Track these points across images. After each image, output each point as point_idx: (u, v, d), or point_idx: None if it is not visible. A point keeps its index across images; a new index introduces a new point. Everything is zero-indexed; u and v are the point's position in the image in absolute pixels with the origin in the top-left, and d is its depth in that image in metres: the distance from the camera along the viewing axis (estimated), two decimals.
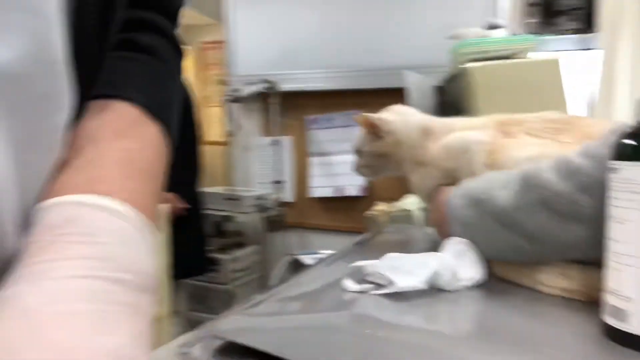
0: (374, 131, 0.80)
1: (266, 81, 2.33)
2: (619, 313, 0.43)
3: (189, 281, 2.17)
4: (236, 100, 2.07)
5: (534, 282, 0.59)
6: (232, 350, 0.42)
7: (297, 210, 2.53)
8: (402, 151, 0.79)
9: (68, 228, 0.26)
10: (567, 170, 0.52)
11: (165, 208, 1.53)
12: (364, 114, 0.79)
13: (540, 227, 0.54)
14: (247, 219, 2.30)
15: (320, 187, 2.45)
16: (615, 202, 0.44)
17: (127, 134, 0.33)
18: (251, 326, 0.49)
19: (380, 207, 1.79)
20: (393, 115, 0.81)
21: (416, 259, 0.59)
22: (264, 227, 2.43)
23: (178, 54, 0.42)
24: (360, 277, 0.61)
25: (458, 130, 0.74)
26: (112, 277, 0.25)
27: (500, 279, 0.63)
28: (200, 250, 2.05)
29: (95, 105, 0.33)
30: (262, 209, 2.29)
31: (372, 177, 0.88)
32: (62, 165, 0.30)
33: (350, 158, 0.88)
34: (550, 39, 2.89)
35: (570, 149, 0.58)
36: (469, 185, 0.64)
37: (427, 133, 0.78)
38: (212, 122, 3.65)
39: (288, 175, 2.54)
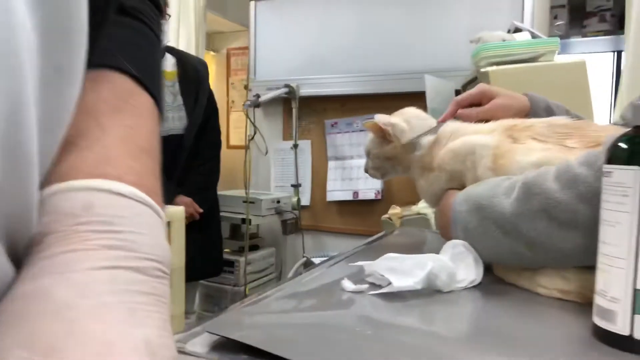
0: (383, 136, 0.81)
1: (287, 86, 2.36)
2: (606, 314, 0.44)
3: (205, 282, 2.22)
4: (257, 105, 2.11)
5: (532, 284, 0.59)
6: (229, 346, 0.44)
7: (314, 213, 2.55)
8: (410, 155, 0.79)
9: (86, 216, 0.25)
10: (568, 179, 0.52)
11: (182, 211, 1.57)
12: (373, 119, 0.80)
13: (541, 235, 0.55)
14: (264, 221, 2.33)
15: (338, 190, 2.47)
16: (607, 205, 0.44)
17: (125, 108, 0.32)
18: (246, 323, 0.50)
19: (395, 210, 1.80)
20: (402, 120, 0.81)
21: (414, 260, 0.59)
22: (281, 230, 2.46)
23: (159, 14, 0.41)
24: (359, 277, 0.62)
25: (466, 135, 0.74)
26: (135, 266, 0.25)
27: (496, 280, 0.63)
28: (215, 252, 2.08)
29: (87, 75, 0.31)
30: (279, 212, 2.32)
31: (382, 178, 0.89)
32: (65, 144, 0.28)
33: None
34: (579, 41, 2.83)
35: (576, 155, 0.59)
36: (472, 191, 0.65)
37: (435, 138, 0.78)
38: (237, 126, 3.72)
39: (306, 178, 2.56)
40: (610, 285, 0.43)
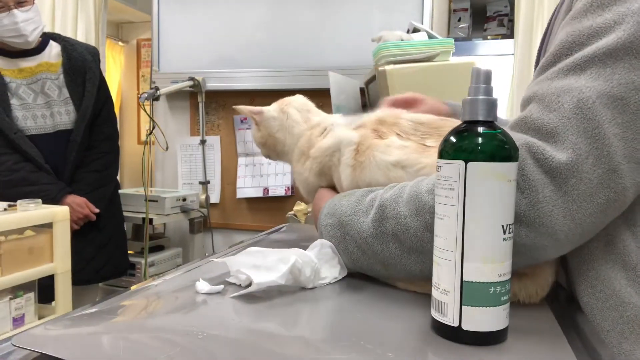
0: (254, 121, 0.82)
1: (192, 79, 2.28)
2: (439, 306, 0.45)
3: (105, 285, 2.08)
4: (155, 98, 2.01)
5: (391, 279, 0.60)
6: None
7: (223, 210, 2.50)
8: (278, 143, 0.80)
9: None
10: (416, 207, 0.53)
11: (66, 211, 1.46)
12: (238, 105, 0.81)
13: (392, 257, 0.56)
14: (169, 220, 2.24)
15: (248, 187, 2.43)
16: (438, 199, 0.45)
17: None
18: (66, 334, 0.45)
19: (300, 206, 1.80)
20: (276, 109, 0.81)
21: (278, 255, 0.58)
22: (188, 229, 2.38)
23: None
24: (222, 278, 0.60)
25: (339, 128, 0.73)
26: None
27: (359, 274, 0.63)
28: (118, 252, 1.96)
29: None
30: (185, 210, 2.24)
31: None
32: None
33: None
34: (482, 43, 2.99)
35: (432, 154, 0.60)
36: (337, 204, 0.64)
37: (312, 128, 0.78)
38: (148, 121, 3.55)
39: (215, 175, 2.50)
40: (442, 278, 0.44)
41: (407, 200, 0.54)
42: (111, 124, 1.94)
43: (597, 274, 0.52)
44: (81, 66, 1.82)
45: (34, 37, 1.74)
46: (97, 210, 1.79)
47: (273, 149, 0.82)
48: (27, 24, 1.70)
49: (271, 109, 0.80)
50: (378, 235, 0.57)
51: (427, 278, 0.52)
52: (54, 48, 1.84)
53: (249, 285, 0.56)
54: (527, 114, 0.50)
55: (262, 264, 0.58)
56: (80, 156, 1.81)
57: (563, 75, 0.49)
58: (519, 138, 0.48)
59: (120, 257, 2.00)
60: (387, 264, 0.57)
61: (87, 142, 1.83)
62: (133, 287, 0.61)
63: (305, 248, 0.63)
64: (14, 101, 1.72)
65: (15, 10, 1.67)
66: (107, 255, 1.90)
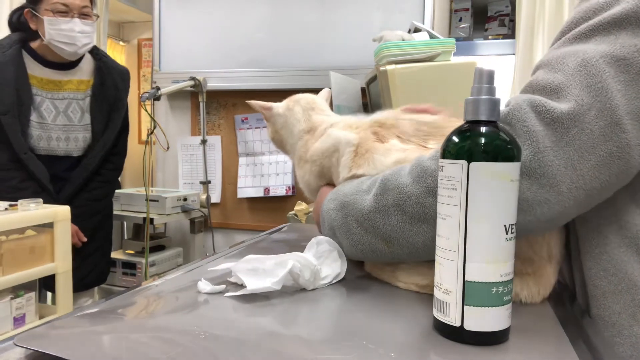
0: (264, 117, 0.84)
1: (192, 79, 2.28)
2: (441, 305, 0.44)
3: (105, 286, 2.07)
4: (156, 97, 2.01)
5: (393, 279, 0.60)
6: None
7: (224, 210, 2.50)
8: (283, 140, 0.81)
9: None
10: (418, 173, 0.53)
11: (67, 210, 1.45)
12: (251, 100, 0.83)
13: (395, 230, 0.55)
14: (170, 220, 2.24)
15: (249, 187, 2.43)
16: (441, 199, 0.45)
17: None
18: (63, 334, 0.45)
19: (301, 206, 1.79)
20: (283, 106, 0.82)
21: (276, 259, 0.58)
22: (189, 229, 2.38)
23: None
24: (223, 278, 0.60)
25: (337, 128, 0.74)
26: None
27: (362, 275, 0.63)
28: (101, 262, 1.90)
29: None
30: (185, 210, 2.24)
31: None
32: None
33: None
34: (483, 43, 2.99)
35: None
36: (340, 189, 0.64)
37: (311, 129, 0.78)
38: (149, 120, 3.55)
39: (216, 175, 2.50)
40: (444, 278, 0.44)
41: (409, 170, 0.55)
42: (122, 157, 1.92)
43: (610, 258, 0.52)
44: (111, 94, 1.80)
45: (82, 51, 1.72)
46: (85, 240, 1.77)
47: (280, 145, 0.84)
48: (83, 36, 1.69)
49: (279, 106, 0.82)
50: (380, 209, 0.56)
51: (430, 252, 0.52)
52: (88, 63, 1.81)
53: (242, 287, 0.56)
54: (533, 79, 0.51)
55: (260, 267, 0.57)
56: (86, 181, 1.79)
57: (569, 44, 0.51)
58: (521, 96, 0.49)
59: (103, 266, 1.94)
60: (389, 240, 0.56)
61: (95, 168, 1.81)
62: (143, 284, 0.61)
63: (305, 248, 0.63)
64: (33, 117, 1.69)
65: (77, 19, 1.66)
66: (92, 265, 1.86)
